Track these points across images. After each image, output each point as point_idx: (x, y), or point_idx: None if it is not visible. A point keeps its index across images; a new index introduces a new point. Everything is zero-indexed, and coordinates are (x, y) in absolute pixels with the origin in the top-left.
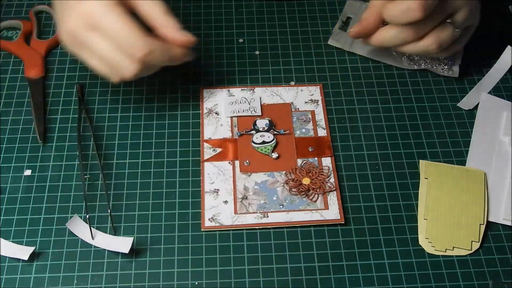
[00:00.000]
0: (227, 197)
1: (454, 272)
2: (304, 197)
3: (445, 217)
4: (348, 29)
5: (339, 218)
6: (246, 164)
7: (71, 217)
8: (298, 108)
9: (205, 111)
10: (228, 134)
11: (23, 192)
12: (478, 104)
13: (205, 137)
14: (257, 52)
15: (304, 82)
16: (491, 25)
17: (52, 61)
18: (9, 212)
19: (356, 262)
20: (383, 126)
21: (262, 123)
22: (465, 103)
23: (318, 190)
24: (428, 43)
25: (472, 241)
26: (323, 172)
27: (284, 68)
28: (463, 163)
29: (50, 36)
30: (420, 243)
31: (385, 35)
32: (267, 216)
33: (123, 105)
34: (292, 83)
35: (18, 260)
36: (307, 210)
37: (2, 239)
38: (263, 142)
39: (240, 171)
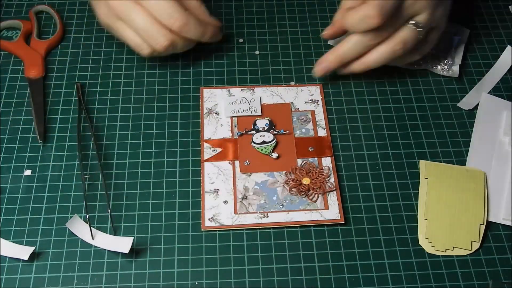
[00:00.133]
0: (227, 197)
1: (454, 272)
2: (304, 197)
3: (445, 217)
4: (322, 32)
5: (339, 218)
6: (246, 164)
7: (71, 217)
8: (298, 108)
9: (205, 111)
10: (228, 134)
11: (23, 192)
12: (478, 104)
13: (205, 137)
14: (257, 52)
15: (304, 82)
16: (491, 25)
17: (52, 61)
18: (9, 212)
19: (356, 262)
20: (383, 126)
21: (262, 123)
22: (465, 103)
23: (318, 190)
24: (392, 45)
25: (472, 241)
26: (323, 172)
27: (284, 68)
28: (463, 163)
29: (50, 36)
30: (420, 243)
31: (347, 45)
32: (267, 216)
33: (123, 105)
34: (292, 83)
35: (18, 260)
36: (307, 210)
37: (2, 239)
38: (263, 142)
39: (240, 171)
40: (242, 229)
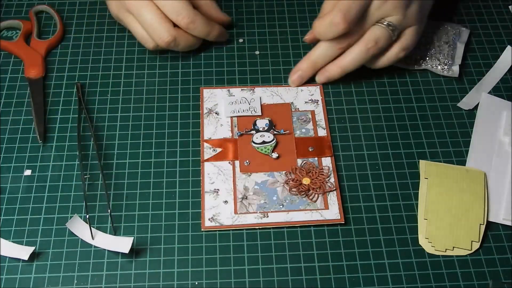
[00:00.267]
0: (227, 197)
1: (454, 272)
2: (304, 197)
3: (445, 217)
4: (304, 37)
5: (339, 218)
6: (246, 164)
7: (71, 217)
8: (298, 108)
9: (205, 111)
10: (228, 134)
11: (23, 192)
12: (478, 104)
13: (205, 137)
14: (257, 52)
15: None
16: (491, 25)
17: (52, 61)
18: (9, 212)
19: (356, 262)
20: (383, 126)
21: (262, 123)
22: (465, 103)
23: (318, 190)
24: (365, 44)
25: (472, 241)
26: (323, 172)
27: (284, 68)
28: (463, 163)
29: (50, 36)
30: (420, 243)
31: (318, 52)
32: (267, 216)
33: (123, 105)
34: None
35: (18, 260)
36: (307, 210)
37: (2, 239)
38: (263, 142)
39: (240, 171)
40: (242, 229)
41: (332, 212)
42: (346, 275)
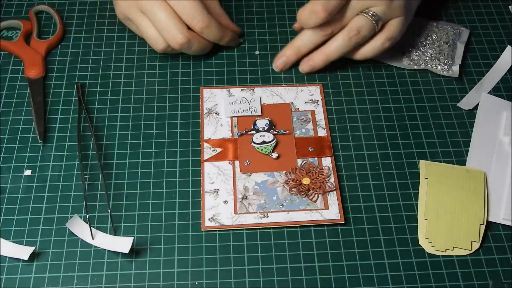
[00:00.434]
0: (227, 197)
1: (454, 272)
2: (304, 197)
3: (445, 217)
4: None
5: (339, 218)
6: (246, 164)
7: (71, 217)
8: (298, 108)
9: (205, 111)
10: (228, 134)
11: (23, 192)
12: (478, 104)
13: (205, 137)
14: (257, 52)
15: (304, 82)
16: (491, 25)
17: (52, 61)
18: (9, 212)
19: (356, 262)
20: (383, 126)
21: (262, 123)
22: (465, 103)
23: (318, 190)
24: (347, 32)
25: (472, 241)
26: (323, 172)
27: None
28: (463, 163)
29: (50, 36)
30: (420, 243)
31: (302, 39)
32: (267, 216)
33: (123, 105)
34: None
35: (18, 260)
36: (307, 210)
37: (2, 239)
38: (263, 142)
39: (240, 171)
40: (242, 229)
41: (332, 212)
42: (346, 275)
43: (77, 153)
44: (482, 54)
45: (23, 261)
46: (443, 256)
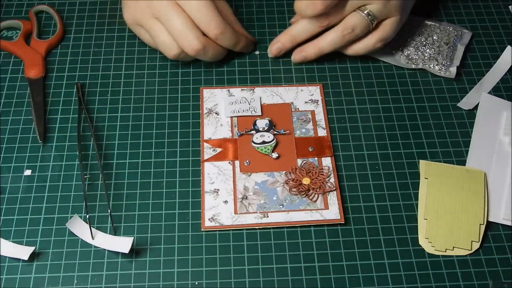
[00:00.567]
0: (227, 197)
1: (454, 272)
2: (304, 197)
3: (445, 217)
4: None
5: (339, 218)
6: (246, 164)
7: (71, 217)
8: (298, 108)
9: (205, 111)
10: (228, 134)
11: (23, 192)
12: (478, 104)
13: (205, 137)
14: (257, 52)
15: (304, 82)
16: (491, 25)
17: (52, 61)
18: (9, 212)
19: (356, 262)
20: (383, 126)
21: (262, 123)
22: (465, 103)
23: (318, 190)
24: (341, 29)
25: (472, 241)
26: (323, 172)
27: (284, 68)
28: (463, 163)
29: (50, 36)
30: (420, 243)
31: (298, 27)
32: (267, 216)
33: (123, 105)
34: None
35: (18, 260)
36: (307, 210)
37: (2, 239)
38: (263, 142)
39: (240, 171)
40: (242, 229)
41: (332, 212)
42: (346, 275)
43: (77, 153)
44: (482, 54)
45: (23, 261)
46: (443, 256)
